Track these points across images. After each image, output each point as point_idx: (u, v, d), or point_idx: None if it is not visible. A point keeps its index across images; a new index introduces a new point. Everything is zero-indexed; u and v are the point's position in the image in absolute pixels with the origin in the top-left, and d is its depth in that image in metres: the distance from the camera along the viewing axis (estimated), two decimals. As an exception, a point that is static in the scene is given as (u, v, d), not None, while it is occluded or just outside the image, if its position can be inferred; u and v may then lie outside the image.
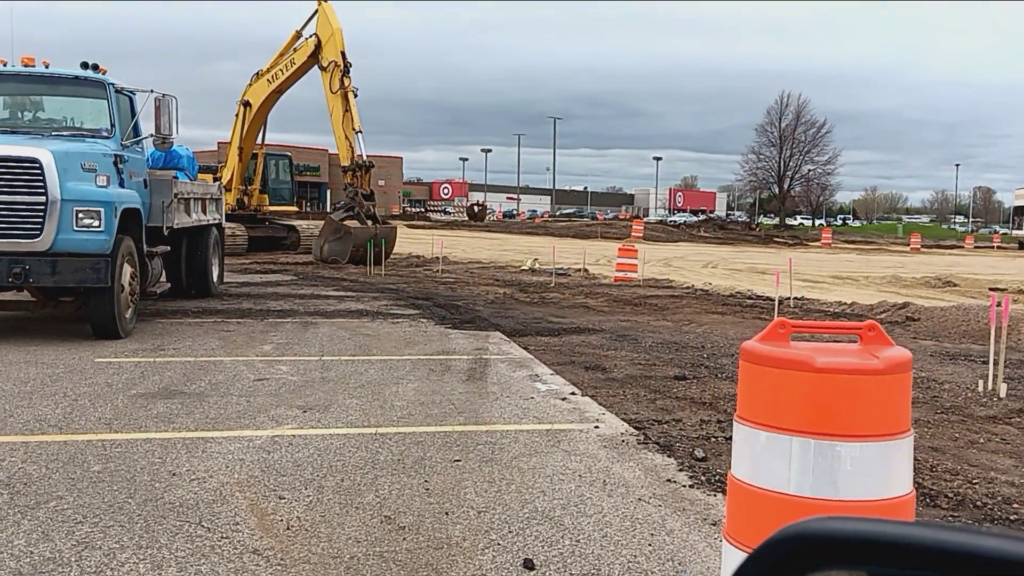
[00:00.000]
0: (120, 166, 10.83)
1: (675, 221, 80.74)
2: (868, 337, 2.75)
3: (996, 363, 8.03)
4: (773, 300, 15.03)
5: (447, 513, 4.59)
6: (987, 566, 0.66)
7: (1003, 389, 7.86)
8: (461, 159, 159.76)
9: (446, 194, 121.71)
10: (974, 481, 5.31)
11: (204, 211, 14.33)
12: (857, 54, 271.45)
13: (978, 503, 4.90)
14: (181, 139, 17.45)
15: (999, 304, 8.45)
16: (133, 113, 11.92)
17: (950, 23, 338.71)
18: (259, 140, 27.86)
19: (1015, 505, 4.88)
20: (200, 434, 6.11)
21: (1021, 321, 12.19)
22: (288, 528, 4.35)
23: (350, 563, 3.93)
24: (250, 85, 25.99)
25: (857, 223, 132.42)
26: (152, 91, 11.50)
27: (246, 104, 26.09)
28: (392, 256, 24.03)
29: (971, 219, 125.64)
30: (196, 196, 13.79)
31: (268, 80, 25.28)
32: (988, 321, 8.64)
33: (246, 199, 28.04)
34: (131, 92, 11.91)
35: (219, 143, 55.01)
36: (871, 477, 2.62)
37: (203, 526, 4.36)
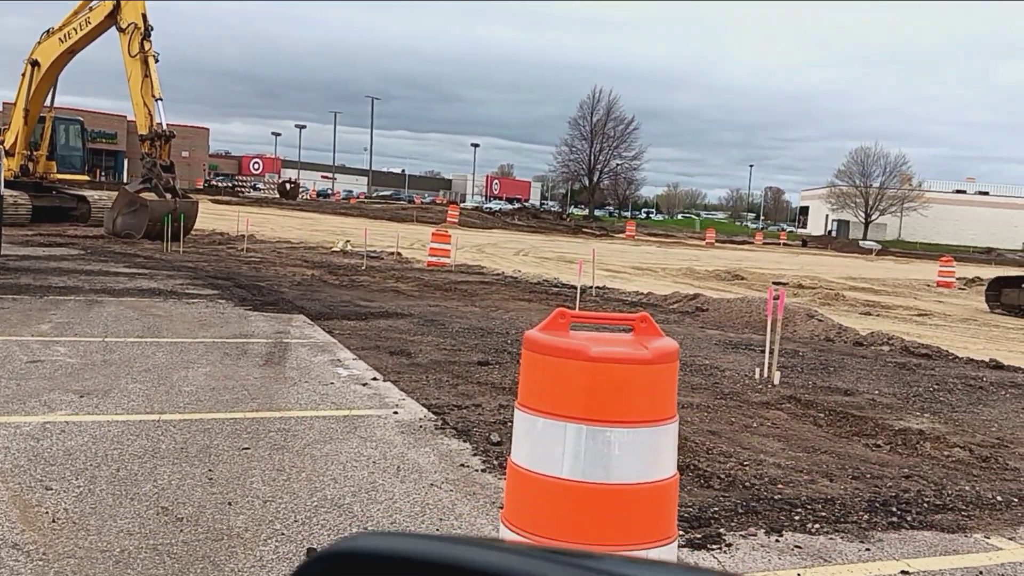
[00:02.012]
0: None
1: (490, 208, 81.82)
2: (640, 328, 2.87)
3: (772, 352, 8.63)
4: (577, 288, 15.51)
5: (230, 503, 4.42)
6: None
7: (777, 377, 8.46)
8: (274, 134, 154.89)
9: (256, 169, 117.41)
10: (745, 463, 5.68)
11: (-22, 177, 13.13)
12: (663, 53, 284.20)
13: (747, 483, 5.25)
14: (-46, 96, 15.87)
15: (776, 297, 9.09)
16: None
17: (745, 30, 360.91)
18: (48, 103, 25.89)
19: (779, 485, 5.26)
20: (-41, 420, 5.59)
21: (796, 314, 13.18)
22: (54, 521, 4.06)
23: (120, 556, 3.71)
24: (39, 43, 24.11)
25: (659, 217, 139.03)
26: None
27: (34, 63, 24.17)
28: (193, 232, 22.96)
29: (762, 218, 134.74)
30: (-31, 160, 12.62)
31: (60, 39, 23.53)
32: (767, 313, 9.27)
33: (31, 165, 26.00)
34: None
35: (4, 103, 50.66)
36: (639, 461, 2.74)
37: (-45, 521, 3.99)
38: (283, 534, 4.07)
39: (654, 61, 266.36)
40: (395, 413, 6.47)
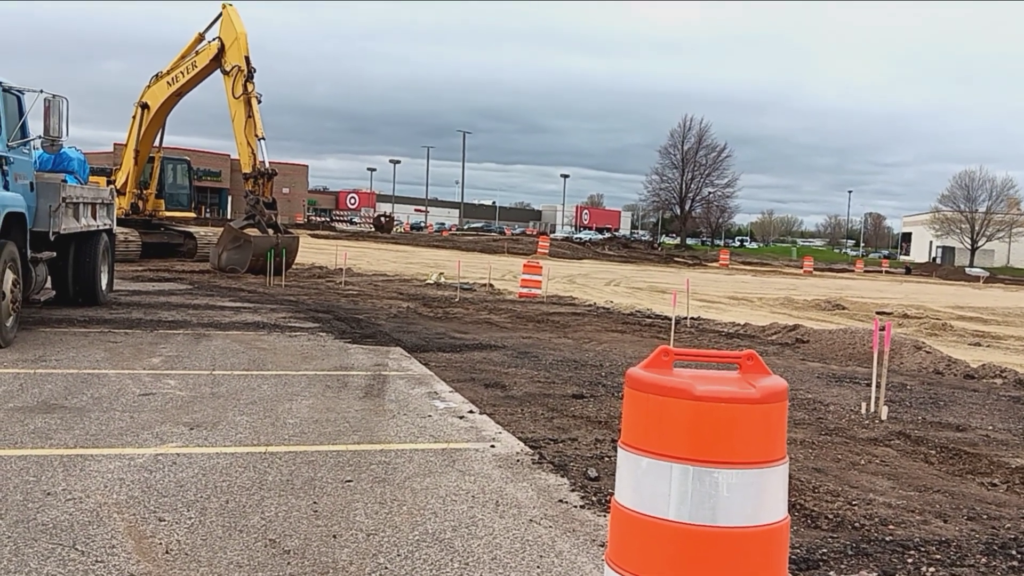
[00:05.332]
0: (5, 168, 10.36)
1: (581, 238, 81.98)
2: (747, 366, 2.82)
3: (879, 386, 8.35)
4: (671, 319, 15.33)
5: (335, 536, 4.50)
6: None
7: (884, 412, 8.18)
8: (369, 169, 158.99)
9: (353, 204, 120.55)
10: (854, 502, 5.50)
11: (94, 216, 13.81)
12: (747, 77, 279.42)
13: (856, 524, 5.07)
14: (74, 139, 16.87)
15: (882, 329, 8.81)
16: (21, 113, 11.41)
17: (829, 50, 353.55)
18: (157, 143, 27.09)
19: (891, 526, 5.07)
20: (79, 451, 5.85)
21: (903, 345, 12.74)
22: (167, 552, 4.20)
23: (230, 589, 3.81)
24: (148, 87, 25.29)
25: (754, 245, 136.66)
26: (41, 91, 11.04)
27: (144, 106, 25.37)
28: (294, 267, 23.64)
29: (862, 244, 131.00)
30: (86, 200, 13.28)
31: (168, 82, 24.64)
32: (872, 345, 8.98)
33: (141, 204, 27.20)
34: (19, 91, 11.40)
35: (115, 144, 53.32)
36: (748, 503, 2.68)
37: (77, 549, 4.17)
38: (387, 568, 4.12)
39: (738, 84, 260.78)
40: (492, 447, 6.49)
